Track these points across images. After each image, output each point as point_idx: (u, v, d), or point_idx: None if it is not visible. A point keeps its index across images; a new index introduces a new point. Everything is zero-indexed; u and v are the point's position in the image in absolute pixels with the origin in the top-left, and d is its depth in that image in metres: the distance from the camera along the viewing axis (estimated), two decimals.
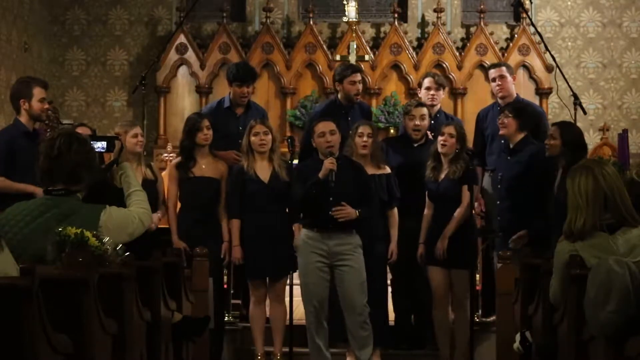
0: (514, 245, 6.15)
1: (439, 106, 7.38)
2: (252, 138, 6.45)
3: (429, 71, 9.34)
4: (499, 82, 7.20)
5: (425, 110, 6.87)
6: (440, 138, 6.43)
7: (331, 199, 6.04)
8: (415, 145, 6.84)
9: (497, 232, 6.54)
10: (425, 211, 6.56)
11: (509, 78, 7.23)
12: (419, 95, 7.54)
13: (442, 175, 6.44)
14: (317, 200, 6.04)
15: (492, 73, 7.30)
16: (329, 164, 6.02)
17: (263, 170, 6.45)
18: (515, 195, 6.33)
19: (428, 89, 7.32)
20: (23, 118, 6.22)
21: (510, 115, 6.44)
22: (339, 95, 7.16)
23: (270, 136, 6.46)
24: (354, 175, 6.16)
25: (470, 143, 7.39)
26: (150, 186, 6.30)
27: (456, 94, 11.26)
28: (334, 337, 6.35)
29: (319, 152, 6.20)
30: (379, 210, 6.46)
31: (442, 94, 7.47)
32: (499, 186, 6.51)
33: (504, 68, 7.27)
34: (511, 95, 7.22)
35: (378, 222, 6.47)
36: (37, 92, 6.21)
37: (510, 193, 6.37)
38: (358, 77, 7.10)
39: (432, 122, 7.02)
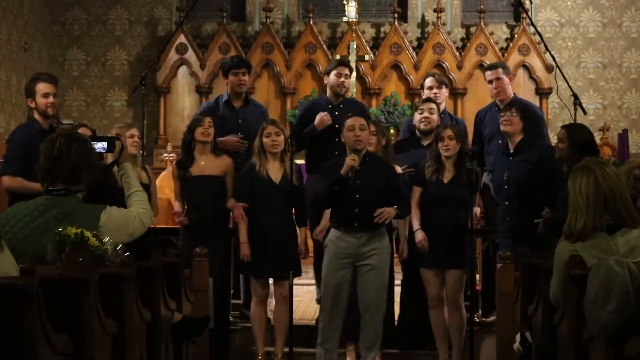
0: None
1: (443, 105, 7.39)
2: (264, 139, 6.43)
3: (429, 72, 9.37)
4: (495, 85, 7.21)
5: (434, 106, 6.89)
6: (441, 144, 6.39)
7: (357, 196, 6.00)
8: (425, 144, 6.81)
9: (505, 232, 6.49)
10: (416, 211, 6.45)
11: (506, 79, 7.23)
12: (422, 97, 7.55)
13: (448, 178, 6.40)
14: (343, 198, 6.01)
15: (489, 75, 7.31)
16: (350, 160, 5.98)
17: (274, 171, 6.44)
18: (526, 195, 6.28)
19: (430, 88, 7.36)
20: (37, 116, 6.22)
21: (516, 114, 6.41)
22: (327, 91, 7.28)
23: (282, 137, 6.45)
24: (381, 173, 6.09)
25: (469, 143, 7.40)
26: (144, 189, 6.27)
27: (456, 94, 11.27)
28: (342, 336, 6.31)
29: (347, 147, 6.16)
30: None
31: (445, 92, 7.49)
32: (505, 187, 6.45)
33: (500, 70, 7.26)
34: (508, 96, 7.23)
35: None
36: (40, 88, 6.16)
37: (520, 193, 6.32)
38: (344, 70, 7.18)
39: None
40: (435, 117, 6.85)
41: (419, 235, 6.37)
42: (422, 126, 6.85)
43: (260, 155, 6.46)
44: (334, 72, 7.15)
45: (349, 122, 6.10)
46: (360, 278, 6.04)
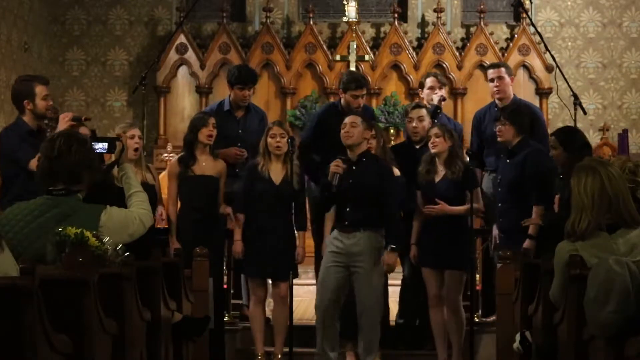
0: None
1: (438, 100, 7.36)
2: (269, 140, 6.45)
3: (429, 71, 9.33)
4: (497, 83, 7.20)
5: (423, 112, 6.85)
6: (430, 143, 6.42)
7: (349, 194, 6.04)
8: (417, 147, 6.81)
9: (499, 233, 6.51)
10: (417, 220, 6.51)
11: (507, 79, 7.22)
12: (422, 96, 7.53)
13: (439, 177, 6.42)
14: (337, 197, 6.06)
15: (491, 73, 7.31)
16: (334, 167, 6.03)
17: (276, 172, 6.46)
18: (515, 197, 6.30)
19: (432, 88, 7.32)
20: (27, 117, 6.07)
21: (506, 122, 6.38)
22: (342, 101, 7.06)
23: (286, 139, 6.46)
24: (375, 172, 6.09)
25: (466, 142, 7.40)
26: (149, 189, 6.26)
27: (456, 94, 11.26)
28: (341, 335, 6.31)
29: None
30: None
31: (445, 93, 7.47)
32: (499, 189, 6.48)
33: (502, 69, 7.26)
34: (508, 97, 7.21)
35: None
36: (40, 90, 6.09)
37: (510, 195, 6.34)
38: (361, 92, 6.93)
39: (435, 121, 6.98)
40: (425, 123, 6.79)
41: (412, 250, 6.48)
42: (413, 137, 6.87)
43: (264, 155, 6.48)
44: (350, 94, 6.86)
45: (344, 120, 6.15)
46: (355, 281, 6.06)
